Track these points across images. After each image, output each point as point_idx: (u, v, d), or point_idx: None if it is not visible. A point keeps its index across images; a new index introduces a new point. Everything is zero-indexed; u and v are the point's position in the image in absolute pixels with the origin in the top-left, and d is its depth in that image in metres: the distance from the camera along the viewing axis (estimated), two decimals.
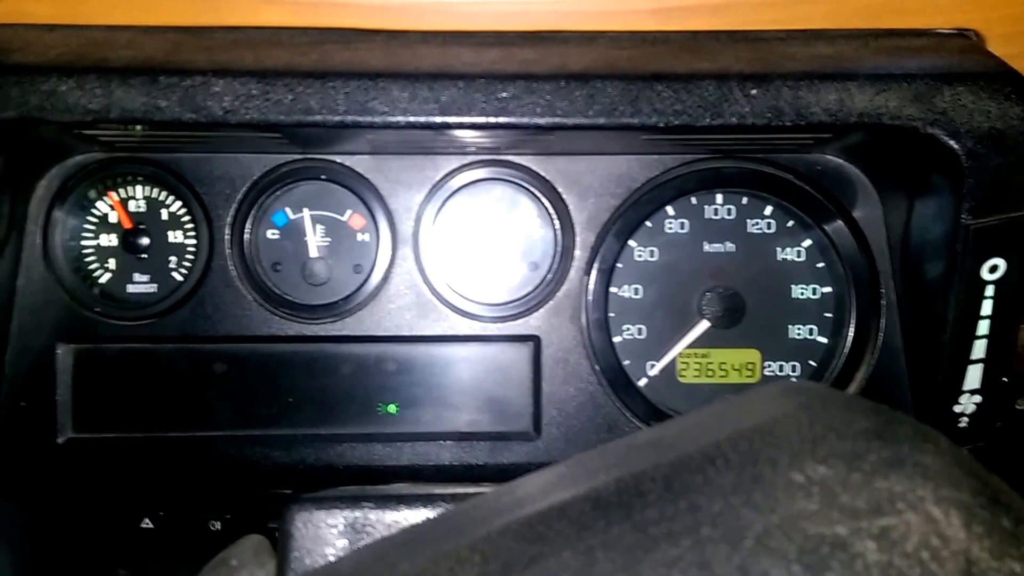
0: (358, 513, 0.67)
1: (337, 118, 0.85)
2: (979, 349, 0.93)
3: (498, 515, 0.45)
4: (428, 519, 0.59)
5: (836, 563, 0.36)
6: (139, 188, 1.02)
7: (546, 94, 0.85)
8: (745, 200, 1.04)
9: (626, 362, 1.05)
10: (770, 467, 0.40)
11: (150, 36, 0.91)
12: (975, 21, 0.95)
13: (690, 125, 0.86)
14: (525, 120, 0.86)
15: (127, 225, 1.03)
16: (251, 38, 0.91)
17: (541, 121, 0.86)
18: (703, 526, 0.38)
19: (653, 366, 1.06)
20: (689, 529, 0.38)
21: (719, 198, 1.05)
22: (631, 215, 1.03)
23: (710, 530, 0.38)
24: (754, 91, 0.85)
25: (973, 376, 0.95)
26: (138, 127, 0.87)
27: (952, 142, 0.85)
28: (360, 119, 0.85)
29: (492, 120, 0.86)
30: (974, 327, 0.92)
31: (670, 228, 1.05)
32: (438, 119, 0.85)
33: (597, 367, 1.03)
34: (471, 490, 0.69)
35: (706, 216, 1.05)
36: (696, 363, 1.06)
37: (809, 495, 0.38)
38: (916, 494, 0.38)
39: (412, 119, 0.85)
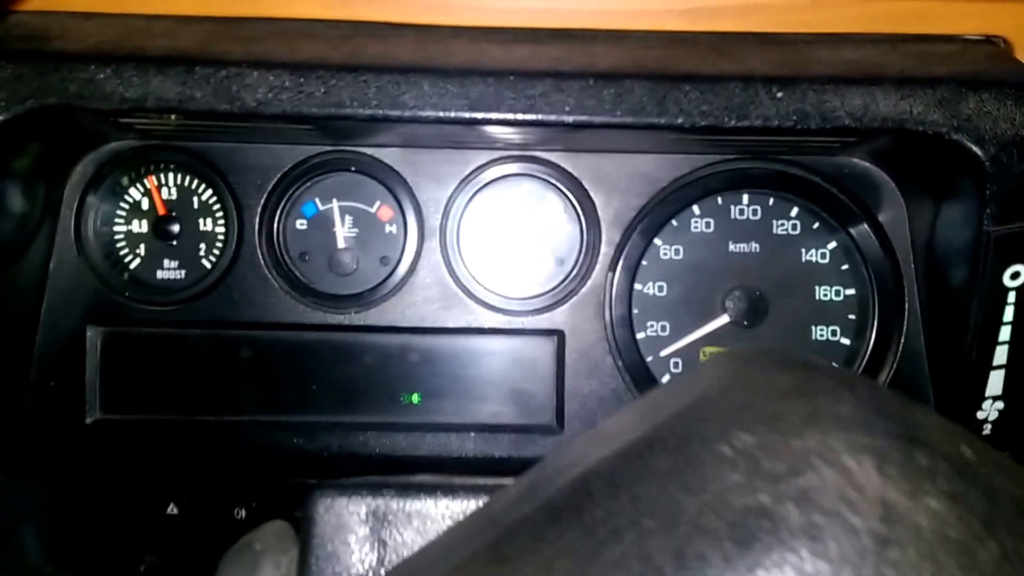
0: (380, 501, 0.69)
1: (368, 111, 0.87)
2: (1001, 355, 0.94)
3: (470, 540, 0.46)
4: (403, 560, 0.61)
5: (763, 533, 0.36)
6: (171, 176, 1.05)
7: (574, 92, 0.87)
8: (771, 201, 1.06)
9: (649, 358, 1.06)
10: (700, 443, 0.41)
11: (187, 26, 0.93)
12: (1003, 28, 0.97)
13: (716, 126, 0.87)
14: (553, 117, 0.88)
15: (161, 211, 1.05)
16: (285, 30, 0.94)
17: (569, 119, 0.88)
18: (643, 517, 0.38)
19: (676, 363, 1.06)
20: (632, 523, 0.39)
21: (745, 198, 1.06)
22: (657, 213, 1.04)
23: (649, 520, 0.38)
24: (780, 94, 0.87)
25: (996, 382, 0.96)
26: (172, 116, 0.89)
27: (976, 148, 0.87)
28: (390, 113, 0.87)
29: (521, 117, 0.88)
30: (996, 333, 0.93)
31: (696, 227, 1.06)
32: (467, 114, 0.87)
33: (620, 363, 1.05)
34: (492, 482, 0.70)
35: (732, 216, 1.07)
36: None
37: (735, 466, 0.39)
38: (830, 447, 0.38)
39: (442, 114, 0.87)
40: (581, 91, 0.87)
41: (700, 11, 0.96)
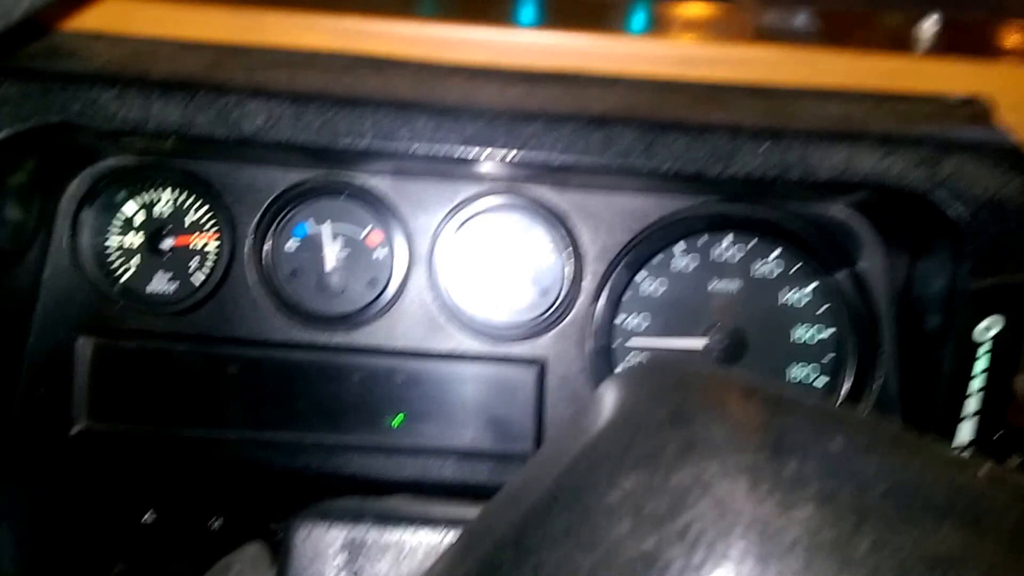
0: (357, 532, 0.72)
1: (363, 144, 0.90)
2: (971, 405, 0.98)
3: None
4: None
5: None
6: (167, 192, 1.08)
7: (565, 134, 0.91)
8: (753, 242, 1.09)
9: None
10: (592, 494, 0.41)
11: (192, 51, 0.97)
12: (987, 88, 1.00)
13: (701, 173, 0.90)
14: (543, 157, 0.92)
15: (155, 226, 1.08)
16: (288, 59, 0.97)
17: (558, 160, 0.91)
18: None
19: None
20: None
21: (727, 238, 1.10)
22: (641, 249, 1.08)
23: None
24: (765, 146, 0.90)
25: (965, 431, 0.99)
26: (170, 137, 0.92)
27: (954, 208, 0.90)
28: (385, 146, 0.91)
29: (512, 155, 0.91)
30: (966, 385, 0.97)
31: (678, 264, 1.10)
32: (460, 151, 0.91)
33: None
34: (470, 511, 0.73)
35: (714, 255, 1.10)
36: None
37: (622, 514, 0.39)
38: (705, 477, 0.39)
39: (435, 150, 0.90)
40: (571, 134, 0.91)
41: (694, 59, 1.00)
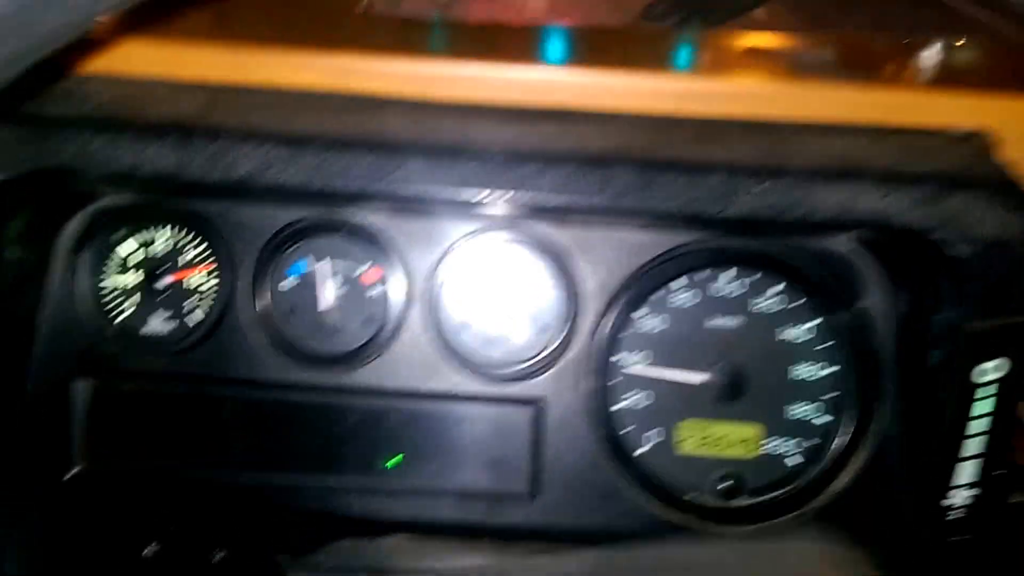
0: None
1: (357, 186, 0.90)
2: (971, 446, 0.98)
3: None
4: None
5: None
6: (164, 231, 1.08)
7: (561, 175, 0.91)
8: (753, 278, 1.09)
9: (626, 430, 1.09)
10: None
11: (187, 92, 0.96)
12: (990, 121, 0.98)
13: (698, 213, 0.90)
14: (539, 198, 0.92)
15: (152, 265, 1.08)
16: (282, 100, 0.97)
17: (554, 200, 0.91)
18: None
19: (651, 434, 1.09)
20: None
21: (727, 274, 1.09)
22: (639, 286, 1.08)
23: None
24: (763, 185, 0.90)
25: (964, 472, 0.99)
26: None
27: (955, 248, 0.89)
28: (379, 188, 0.91)
29: (507, 196, 0.91)
30: (964, 425, 0.97)
31: (677, 300, 1.10)
32: (455, 192, 0.91)
33: (595, 434, 1.08)
34: (466, 561, 0.73)
35: (714, 291, 1.10)
36: (695, 434, 1.09)
37: None
38: None
39: (429, 191, 0.90)
40: (567, 174, 0.91)
41: (693, 95, 0.99)
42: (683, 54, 1.14)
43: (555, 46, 1.14)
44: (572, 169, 0.91)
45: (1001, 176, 0.93)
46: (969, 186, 0.91)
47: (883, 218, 0.90)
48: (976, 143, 0.99)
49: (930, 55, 1.09)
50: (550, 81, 0.99)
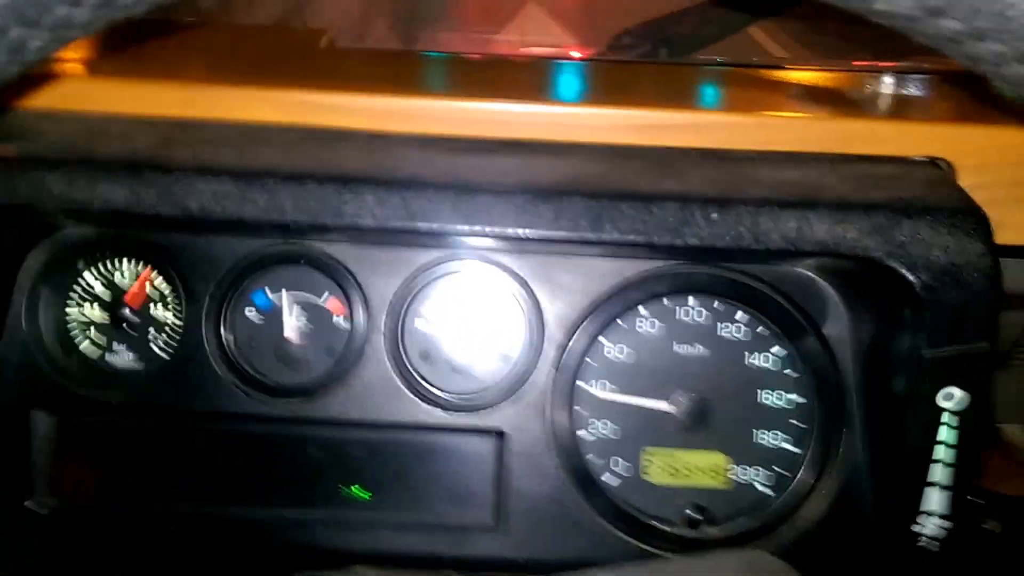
0: None
1: (309, 220, 0.91)
2: (938, 473, 0.98)
3: None
4: None
5: None
6: (126, 262, 1.09)
7: (512, 207, 0.91)
8: (717, 305, 1.08)
9: (590, 457, 1.09)
10: None
11: (140, 127, 0.97)
12: (946, 150, 0.99)
13: (650, 244, 0.90)
14: (491, 230, 0.93)
15: (113, 298, 1.09)
16: (237, 134, 0.98)
17: (507, 232, 0.92)
18: None
19: (618, 463, 1.09)
20: None
21: (691, 301, 1.09)
22: (602, 314, 1.08)
23: None
24: (714, 215, 0.91)
25: (933, 498, 0.98)
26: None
27: (909, 275, 0.90)
28: (331, 222, 0.91)
29: (459, 228, 0.92)
30: (930, 451, 0.97)
31: (641, 328, 1.09)
32: (408, 225, 0.91)
33: (561, 463, 1.07)
34: None
35: (677, 318, 1.09)
36: (661, 463, 1.09)
37: None
38: None
39: (383, 224, 0.91)
40: (519, 206, 0.91)
41: (650, 127, 1.00)
42: (642, 86, 1.14)
43: (512, 80, 1.15)
44: (523, 201, 0.91)
45: (955, 203, 0.93)
46: (923, 213, 0.91)
47: (836, 246, 0.91)
48: (933, 171, 0.99)
49: (888, 85, 1.10)
50: (506, 115, 1.00)
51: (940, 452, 0.96)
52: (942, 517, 0.98)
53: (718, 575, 0.63)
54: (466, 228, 0.93)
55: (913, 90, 1.11)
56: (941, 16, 0.45)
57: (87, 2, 0.45)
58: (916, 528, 0.99)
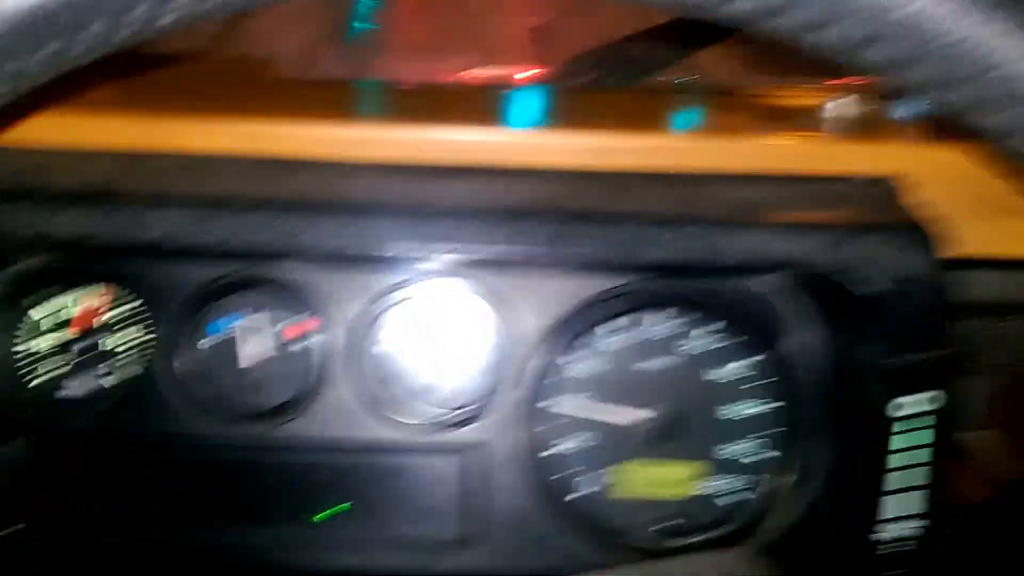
0: None
1: (265, 247, 0.90)
2: (895, 481, 0.99)
3: None
4: None
5: None
6: (79, 292, 1.07)
7: (470, 229, 0.92)
8: (677, 320, 1.09)
9: (557, 476, 1.09)
10: None
11: (92, 159, 0.96)
12: (896, 167, 1.03)
13: (607, 263, 0.91)
14: (448, 253, 0.93)
15: (70, 328, 1.07)
16: (191, 164, 0.97)
17: (463, 256, 0.93)
18: None
19: (583, 479, 1.09)
20: None
21: (656, 316, 1.10)
22: (563, 332, 1.08)
23: None
24: (669, 234, 0.92)
25: (891, 506, 1.00)
26: None
27: (863, 288, 0.92)
28: (287, 248, 0.91)
29: (415, 252, 0.92)
30: (883, 461, 0.99)
31: (607, 343, 1.10)
32: (364, 251, 0.91)
33: (527, 480, 1.08)
34: None
35: (643, 332, 1.10)
36: (628, 476, 1.10)
37: None
38: None
39: (338, 250, 0.91)
40: (476, 229, 0.92)
41: (606, 149, 1.02)
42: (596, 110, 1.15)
43: (464, 106, 1.15)
44: (481, 224, 0.92)
45: (904, 218, 0.97)
46: (872, 229, 0.94)
47: (788, 262, 0.93)
48: (882, 188, 1.02)
49: (840, 106, 1.13)
50: (460, 141, 1.00)
51: (895, 461, 0.99)
52: (901, 524, 1.00)
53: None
54: (423, 251, 0.94)
55: (866, 109, 1.14)
56: (826, 27, 0.48)
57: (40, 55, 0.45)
58: (875, 536, 1.01)
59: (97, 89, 1.05)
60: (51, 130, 0.97)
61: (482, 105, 1.16)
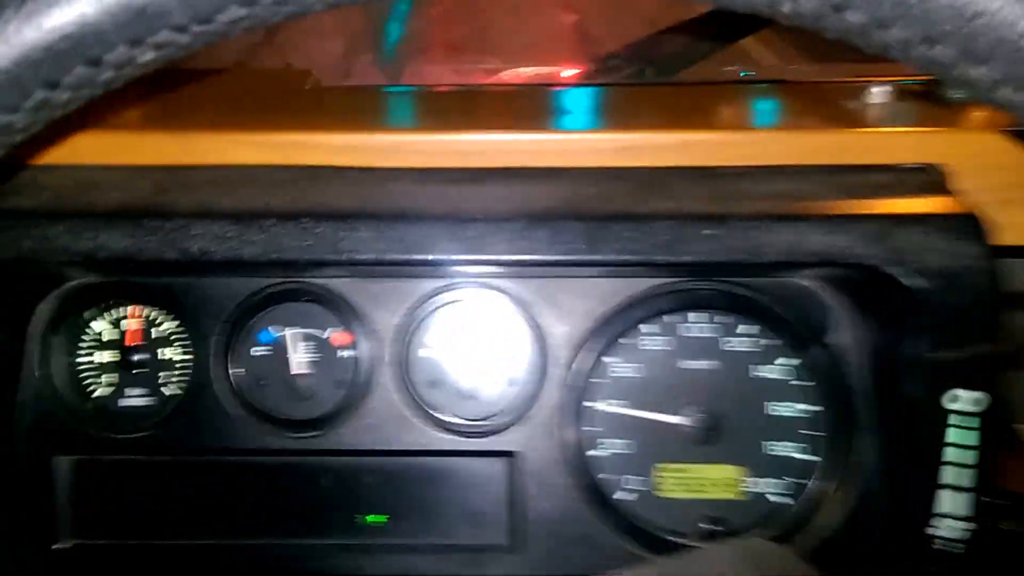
0: None
1: (307, 257, 0.93)
2: (950, 475, 0.97)
3: None
4: None
5: None
6: (133, 308, 1.12)
7: (507, 234, 0.93)
8: (720, 319, 1.09)
9: (603, 476, 1.10)
10: None
11: (136, 176, 1.00)
12: (939, 155, 1.00)
13: (647, 262, 0.91)
14: (487, 258, 0.94)
15: (124, 343, 1.11)
16: (230, 177, 1.00)
17: (503, 258, 0.94)
18: None
19: (629, 480, 1.10)
20: None
21: (694, 316, 1.10)
22: (606, 333, 1.09)
23: None
24: (708, 231, 0.91)
25: (946, 500, 0.98)
26: None
27: (906, 280, 0.90)
28: (329, 257, 0.93)
29: (455, 257, 0.94)
30: (938, 454, 0.97)
31: (646, 345, 1.10)
32: (404, 257, 0.93)
33: (573, 482, 1.09)
34: None
35: (683, 333, 1.11)
36: (674, 477, 1.10)
37: None
38: None
39: (380, 257, 0.93)
40: (514, 233, 0.93)
41: (638, 148, 1.01)
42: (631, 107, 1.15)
43: (498, 109, 1.16)
44: (518, 228, 0.93)
45: (950, 206, 0.94)
46: (918, 218, 0.92)
47: (831, 256, 0.91)
48: (928, 176, 1.00)
49: (882, 92, 1.11)
50: (495, 144, 1.01)
51: (950, 454, 0.96)
52: (956, 519, 0.98)
53: (716, 566, 0.63)
54: (463, 256, 0.95)
55: (908, 96, 1.12)
56: (846, 10, 0.47)
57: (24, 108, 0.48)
58: (930, 531, 0.99)
59: (138, 106, 1.09)
60: (96, 150, 1.01)
61: (516, 108, 1.17)
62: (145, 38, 0.45)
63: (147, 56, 0.46)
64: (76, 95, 0.48)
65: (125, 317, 1.12)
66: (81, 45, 0.44)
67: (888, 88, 1.12)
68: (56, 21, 0.43)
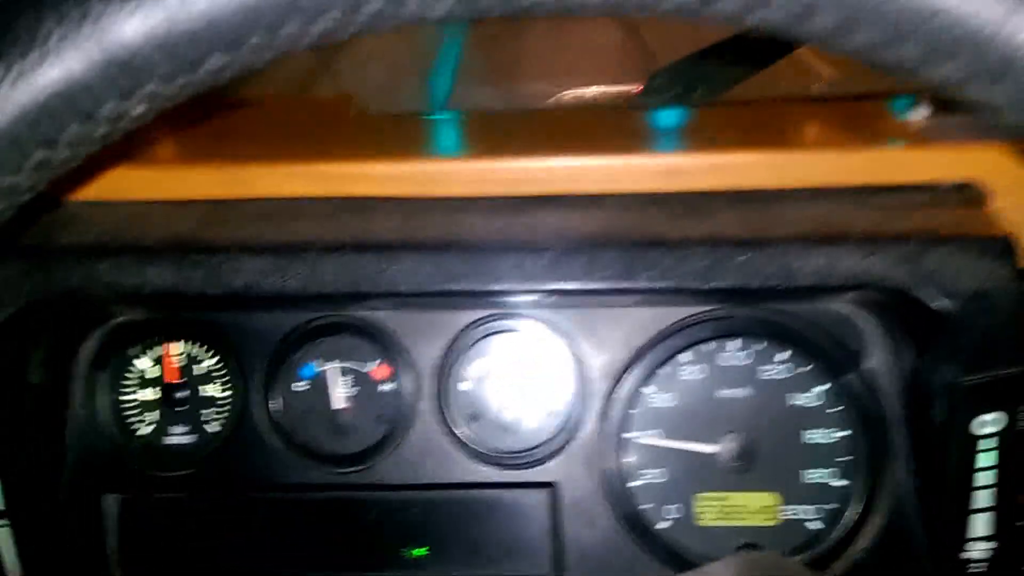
0: None
1: (349, 289, 0.95)
2: (983, 499, 0.98)
3: None
4: None
5: None
6: (176, 344, 1.13)
7: (546, 263, 0.95)
8: (757, 346, 1.11)
9: (644, 506, 1.11)
10: None
11: (181, 210, 1.02)
12: (978, 173, 1.00)
13: (683, 288, 0.93)
14: (526, 287, 0.96)
15: (168, 379, 1.14)
16: (273, 210, 1.02)
17: (542, 287, 0.96)
18: None
19: (670, 509, 1.11)
20: None
21: (731, 345, 1.11)
22: (645, 363, 1.11)
23: None
24: (743, 257, 0.93)
25: (980, 524, 0.99)
26: None
27: (939, 303, 0.91)
28: (371, 290, 0.95)
29: (495, 287, 0.96)
30: (970, 478, 0.98)
31: (685, 374, 1.12)
32: (444, 287, 0.95)
33: (615, 512, 1.10)
34: None
35: (720, 362, 1.12)
36: (712, 505, 1.11)
37: None
38: None
39: (419, 288, 0.95)
40: (553, 260, 0.95)
41: (678, 171, 1.02)
42: (667, 130, 1.17)
43: (539, 134, 1.17)
44: (556, 256, 0.95)
45: (985, 227, 0.95)
46: (951, 240, 0.92)
47: (865, 279, 0.93)
48: (961, 196, 1.01)
49: (922, 108, 1.11)
50: (535, 171, 1.03)
51: (982, 478, 0.98)
52: (990, 541, 1.00)
53: None
54: (502, 287, 0.97)
55: (949, 112, 1.11)
56: (813, 16, 0.46)
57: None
58: (965, 555, 1.01)
59: (179, 139, 1.12)
60: (140, 184, 1.03)
61: (560, 132, 1.19)
62: (135, 91, 0.46)
63: (139, 109, 0.47)
64: (75, 152, 0.49)
65: (169, 354, 1.14)
66: (73, 102, 0.45)
67: (933, 100, 1.12)
68: (46, 79, 0.45)
